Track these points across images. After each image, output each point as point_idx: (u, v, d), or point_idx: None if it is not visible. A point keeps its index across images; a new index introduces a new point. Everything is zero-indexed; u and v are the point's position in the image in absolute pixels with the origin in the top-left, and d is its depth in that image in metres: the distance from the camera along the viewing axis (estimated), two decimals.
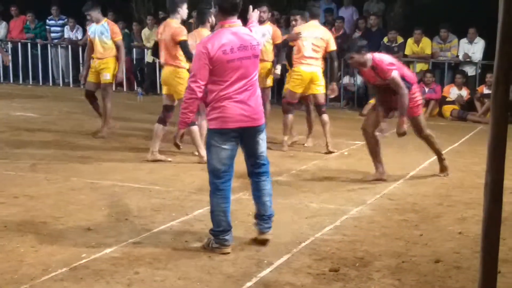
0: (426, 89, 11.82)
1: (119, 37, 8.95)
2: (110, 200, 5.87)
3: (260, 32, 5.94)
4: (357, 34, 13.00)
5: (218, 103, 4.47)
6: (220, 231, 4.58)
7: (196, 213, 5.52)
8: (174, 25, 7.40)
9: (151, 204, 5.75)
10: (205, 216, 5.42)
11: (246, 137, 4.57)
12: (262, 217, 4.77)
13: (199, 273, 4.19)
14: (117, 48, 8.92)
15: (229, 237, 4.61)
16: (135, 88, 14.25)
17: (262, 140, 4.65)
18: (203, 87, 4.46)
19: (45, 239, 4.74)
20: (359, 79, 12.51)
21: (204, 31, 7.58)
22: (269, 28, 8.95)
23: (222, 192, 4.58)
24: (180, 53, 7.37)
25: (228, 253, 4.55)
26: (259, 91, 4.66)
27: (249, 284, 4.05)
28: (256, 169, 4.73)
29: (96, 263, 4.31)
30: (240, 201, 5.85)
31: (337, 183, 6.71)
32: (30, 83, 14.97)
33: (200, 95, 4.47)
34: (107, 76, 8.93)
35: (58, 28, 15.15)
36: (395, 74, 6.45)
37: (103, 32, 8.88)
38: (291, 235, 4.99)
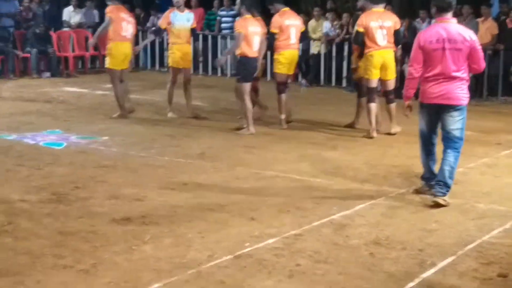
0: None
1: None
2: (272, 190, 5.98)
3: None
4: None
5: (424, 83, 5.65)
6: (425, 177, 5.87)
7: (358, 208, 5.48)
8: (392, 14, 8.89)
9: (312, 197, 5.79)
10: (366, 211, 5.38)
11: (441, 112, 5.59)
12: (438, 182, 5.58)
13: (359, 270, 4.16)
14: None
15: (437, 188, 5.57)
16: (299, 80, 14.38)
17: (454, 118, 5.56)
18: (418, 69, 5.62)
19: (211, 226, 4.93)
20: None
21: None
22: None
23: (425, 148, 5.82)
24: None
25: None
26: (462, 76, 5.58)
27: (411, 284, 3.96)
28: (445, 142, 5.65)
29: (259, 252, 4.42)
30: (403, 199, 5.74)
31: (508, 183, 6.37)
32: (200, 73, 15.57)
33: (417, 75, 5.65)
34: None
35: (230, 19, 15.51)
36: None
37: None
38: (456, 236, 4.81)
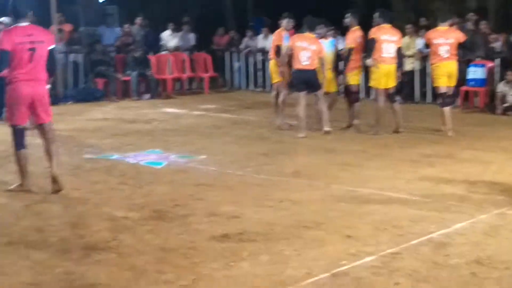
0: None
1: None
2: (368, 208, 5.94)
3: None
4: None
5: None
6: None
7: (457, 226, 5.36)
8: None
9: (409, 215, 5.71)
10: (466, 230, 5.26)
11: None
12: None
13: None
14: None
15: None
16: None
17: None
18: None
19: (308, 244, 4.95)
20: None
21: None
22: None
23: None
24: None
25: None
26: None
27: None
28: None
29: (356, 270, 4.40)
30: (505, 217, 5.57)
31: None
32: None
33: None
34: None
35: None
36: None
37: None
38: None
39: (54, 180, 6.41)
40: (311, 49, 9.75)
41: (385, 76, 9.84)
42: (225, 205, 6.02)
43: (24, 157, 6.47)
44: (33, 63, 6.33)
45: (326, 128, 9.80)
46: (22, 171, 6.44)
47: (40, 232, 5.22)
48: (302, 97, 9.81)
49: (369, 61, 9.91)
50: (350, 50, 10.01)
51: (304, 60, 9.72)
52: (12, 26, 6.47)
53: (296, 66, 9.79)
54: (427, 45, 10.54)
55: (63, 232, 5.25)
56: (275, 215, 5.72)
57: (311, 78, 9.78)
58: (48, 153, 6.52)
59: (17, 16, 6.43)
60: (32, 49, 6.31)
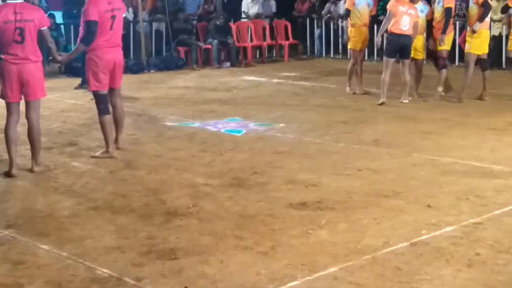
0: None
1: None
2: (450, 177, 5.83)
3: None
4: None
5: None
6: None
7: None
8: None
9: (493, 185, 5.57)
10: None
11: None
12: None
13: None
14: None
15: None
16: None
17: None
18: None
19: (387, 213, 4.92)
20: None
21: None
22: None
23: None
24: None
25: None
26: None
27: None
28: None
29: (436, 240, 4.35)
30: None
31: None
32: (375, 59, 15.39)
33: None
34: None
35: None
36: None
37: None
38: None
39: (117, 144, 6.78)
40: (411, 13, 9.51)
41: (485, 41, 9.64)
42: (303, 173, 6.04)
43: (109, 123, 6.67)
44: (114, 29, 6.57)
45: (405, 100, 9.61)
46: (107, 137, 6.65)
47: (124, 198, 5.40)
48: (391, 63, 9.63)
49: (477, 25, 9.49)
50: (449, 11, 9.70)
51: (405, 25, 9.46)
52: None
53: (396, 30, 9.48)
54: None
55: (146, 198, 5.40)
56: (353, 184, 5.70)
57: (406, 43, 9.56)
58: (120, 117, 6.82)
59: None
60: (113, 17, 6.54)
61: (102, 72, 6.54)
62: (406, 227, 4.59)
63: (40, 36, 6.04)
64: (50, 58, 6.88)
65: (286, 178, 5.90)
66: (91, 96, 7.18)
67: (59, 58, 6.68)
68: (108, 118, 6.67)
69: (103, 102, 6.64)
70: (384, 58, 9.77)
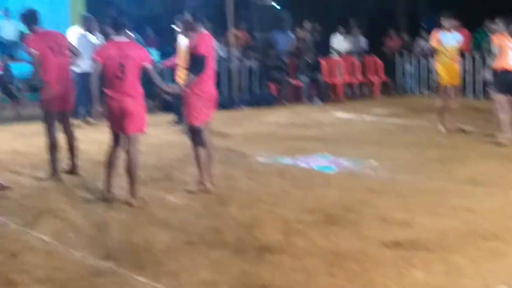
0: None
1: None
2: None
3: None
4: None
5: None
6: None
7: None
8: None
9: None
10: None
11: None
12: None
13: None
14: None
15: None
16: None
17: None
18: None
19: (485, 255, 4.78)
20: None
21: None
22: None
23: None
24: None
25: None
26: None
27: None
28: None
29: None
30: None
31: None
32: (471, 96, 15.08)
33: None
34: None
35: None
36: None
37: None
38: None
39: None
40: None
41: None
42: (396, 211, 5.96)
43: (203, 156, 6.81)
44: (210, 66, 6.76)
45: (508, 135, 9.28)
46: (201, 170, 6.78)
47: (218, 232, 5.49)
48: (506, 100, 9.36)
49: None
50: None
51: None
52: (201, 32, 6.77)
53: (505, 66, 9.27)
54: None
55: (239, 232, 5.47)
56: (448, 223, 5.57)
57: None
58: (210, 152, 6.91)
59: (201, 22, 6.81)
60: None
61: (202, 106, 6.72)
62: (505, 270, 4.45)
63: (144, 72, 6.36)
64: (155, 94, 7.16)
65: (378, 215, 5.84)
66: (182, 130, 7.35)
67: (169, 89, 7.01)
68: (203, 151, 6.81)
69: (200, 135, 6.79)
70: (496, 95, 9.50)
